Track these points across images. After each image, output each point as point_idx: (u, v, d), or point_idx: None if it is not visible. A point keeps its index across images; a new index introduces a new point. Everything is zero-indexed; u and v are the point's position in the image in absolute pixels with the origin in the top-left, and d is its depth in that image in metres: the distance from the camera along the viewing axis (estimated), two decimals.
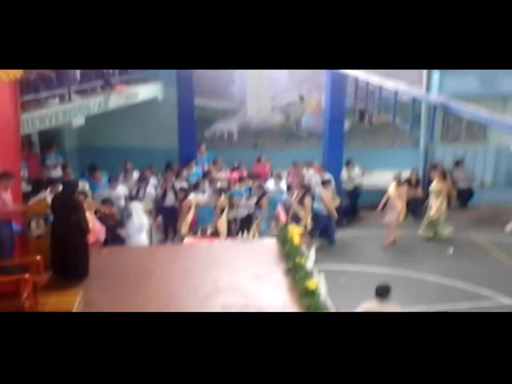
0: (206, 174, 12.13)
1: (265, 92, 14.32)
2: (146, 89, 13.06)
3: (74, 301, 5.95)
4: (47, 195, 8.72)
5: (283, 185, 12.09)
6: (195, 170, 12.51)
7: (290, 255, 7.11)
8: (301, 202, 10.92)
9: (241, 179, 11.70)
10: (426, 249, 11.42)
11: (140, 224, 9.32)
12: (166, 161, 12.39)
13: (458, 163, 13.89)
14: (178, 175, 11.80)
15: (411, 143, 14.29)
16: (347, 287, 9.32)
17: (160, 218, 11.13)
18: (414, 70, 12.73)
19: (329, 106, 13.50)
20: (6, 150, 7.36)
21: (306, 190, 11.16)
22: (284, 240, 7.59)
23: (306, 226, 10.68)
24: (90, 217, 7.73)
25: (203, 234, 10.10)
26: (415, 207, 12.65)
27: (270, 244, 8.07)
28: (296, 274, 6.54)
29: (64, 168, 11.36)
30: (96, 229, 8.28)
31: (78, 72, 10.45)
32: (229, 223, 10.43)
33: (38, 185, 9.57)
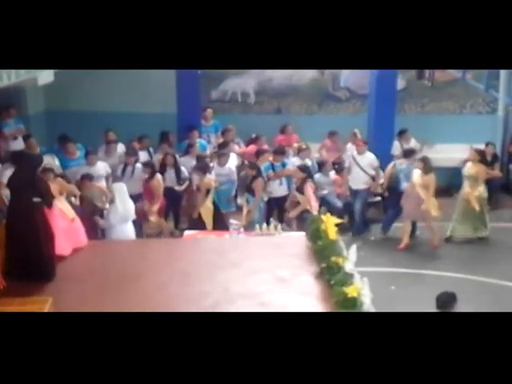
0: (222, 146, 12.28)
1: None
2: None
3: (42, 310, 6.03)
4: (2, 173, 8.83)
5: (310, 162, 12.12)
6: (199, 142, 12.60)
7: (323, 253, 7.13)
8: (299, 189, 10.89)
9: (259, 153, 11.68)
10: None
11: (125, 211, 9.43)
12: (160, 130, 12.47)
13: None
14: (186, 151, 11.98)
15: (486, 108, 14.24)
16: (398, 294, 9.41)
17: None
18: None
19: None
20: None
21: (307, 174, 11.00)
22: (315, 234, 7.59)
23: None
24: (62, 205, 7.76)
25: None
26: (493, 192, 12.59)
27: (297, 239, 8.13)
28: (331, 277, 6.56)
29: (26, 138, 11.48)
30: (74, 229, 7.85)
31: None
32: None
33: None
